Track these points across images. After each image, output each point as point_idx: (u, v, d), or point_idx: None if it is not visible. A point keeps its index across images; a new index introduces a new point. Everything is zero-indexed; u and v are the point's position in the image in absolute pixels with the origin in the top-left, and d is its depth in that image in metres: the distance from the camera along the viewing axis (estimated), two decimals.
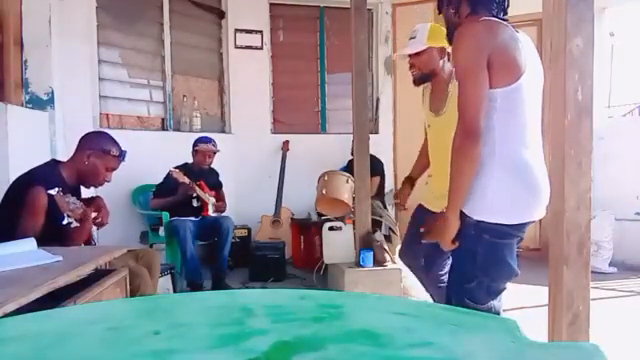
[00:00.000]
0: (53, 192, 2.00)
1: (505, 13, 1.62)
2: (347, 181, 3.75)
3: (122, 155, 2.35)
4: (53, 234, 2.06)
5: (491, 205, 1.54)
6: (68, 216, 2.10)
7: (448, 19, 1.72)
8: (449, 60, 2.24)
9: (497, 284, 1.63)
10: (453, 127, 2.09)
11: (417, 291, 2.51)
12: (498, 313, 1.67)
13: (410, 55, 2.27)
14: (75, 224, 2.14)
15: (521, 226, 1.58)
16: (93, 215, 2.23)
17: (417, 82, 2.31)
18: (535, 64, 1.58)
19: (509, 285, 1.70)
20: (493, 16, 1.57)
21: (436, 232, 1.63)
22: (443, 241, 1.61)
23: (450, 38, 1.73)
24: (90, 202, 2.30)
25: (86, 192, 2.44)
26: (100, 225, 2.31)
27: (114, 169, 2.34)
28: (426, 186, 2.43)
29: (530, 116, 1.57)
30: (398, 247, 3.57)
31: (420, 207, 2.40)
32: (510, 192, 1.54)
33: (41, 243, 1.81)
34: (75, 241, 2.12)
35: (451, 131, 2.15)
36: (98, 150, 2.26)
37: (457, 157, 1.50)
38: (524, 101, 1.54)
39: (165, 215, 3.81)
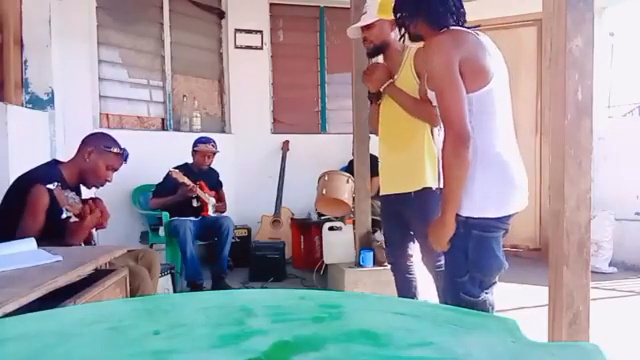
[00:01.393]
0: (52, 186, 2.00)
1: (465, 20, 1.69)
2: (347, 181, 3.75)
3: (124, 155, 2.35)
4: (53, 229, 2.06)
5: (477, 201, 1.58)
6: (67, 210, 2.10)
7: (409, 31, 1.79)
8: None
9: (489, 278, 1.67)
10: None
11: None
12: (493, 307, 1.70)
13: (362, 29, 2.32)
14: (74, 219, 2.14)
15: (506, 218, 1.63)
16: (95, 217, 2.24)
17: (371, 55, 2.38)
18: (500, 64, 1.65)
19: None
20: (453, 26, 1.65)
21: (432, 235, 1.66)
22: (440, 244, 1.65)
23: (413, 39, 1.81)
24: (90, 203, 2.30)
25: (86, 193, 2.44)
26: (99, 227, 2.31)
27: (115, 169, 2.33)
28: (385, 169, 2.44)
29: (501, 113, 1.64)
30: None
31: (384, 199, 2.42)
32: (492, 186, 1.60)
33: (42, 239, 1.81)
34: (74, 236, 2.13)
35: None
36: (99, 147, 2.27)
37: (452, 162, 1.54)
38: (495, 101, 1.60)
39: (165, 215, 3.81)
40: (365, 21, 2.30)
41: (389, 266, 2.55)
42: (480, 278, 1.64)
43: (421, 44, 2.27)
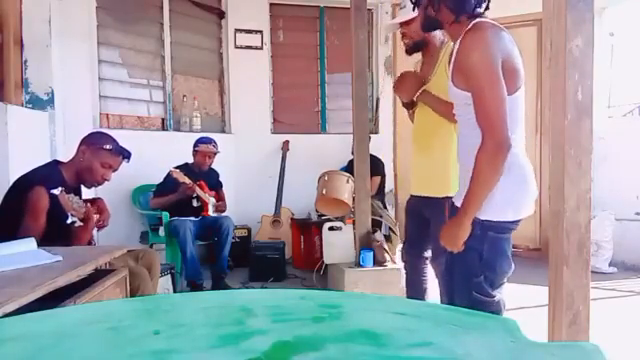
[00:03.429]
0: (56, 191, 2.00)
1: (487, 7, 1.64)
2: (347, 181, 3.75)
3: (124, 154, 2.33)
4: (57, 234, 2.06)
5: (498, 205, 1.55)
6: (72, 215, 2.10)
7: (427, 17, 1.71)
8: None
9: (500, 277, 1.65)
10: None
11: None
12: (504, 305, 1.69)
13: (401, 25, 2.28)
14: (79, 223, 2.14)
15: (519, 221, 1.62)
16: (95, 217, 2.23)
17: (409, 51, 2.32)
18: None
19: (509, 285, 1.71)
20: (478, 15, 1.59)
21: (448, 236, 1.62)
22: (455, 245, 1.61)
23: (425, 29, 1.77)
24: (92, 203, 2.30)
25: (87, 193, 2.44)
26: (101, 227, 2.31)
27: (112, 167, 2.30)
28: (413, 170, 2.44)
29: (522, 116, 1.61)
30: (399, 247, 3.57)
31: (410, 198, 2.41)
32: (512, 190, 1.57)
33: (45, 243, 1.81)
34: (80, 240, 2.13)
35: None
36: (91, 145, 2.25)
37: (486, 169, 1.48)
38: (520, 105, 1.58)
39: (165, 215, 3.81)
40: (404, 17, 2.25)
41: (403, 264, 2.53)
42: (492, 278, 1.62)
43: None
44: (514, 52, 1.53)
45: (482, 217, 1.56)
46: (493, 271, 1.62)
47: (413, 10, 1.83)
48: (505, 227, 1.59)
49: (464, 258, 1.63)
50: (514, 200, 1.58)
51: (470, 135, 1.57)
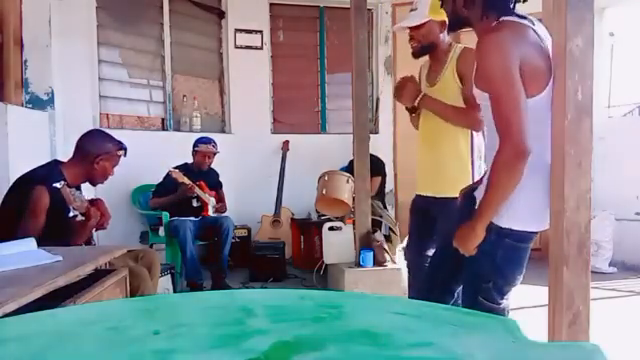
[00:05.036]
0: (59, 185, 2.02)
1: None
2: (347, 181, 3.75)
3: (125, 151, 2.40)
4: (57, 229, 2.08)
5: (520, 214, 1.51)
6: (74, 208, 2.12)
7: (454, 11, 1.65)
8: (448, 34, 2.23)
9: (510, 285, 1.62)
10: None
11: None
12: (508, 312, 1.68)
13: (410, 27, 2.27)
14: (80, 217, 2.16)
15: (542, 230, 1.57)
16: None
17: (416, 54, 2.30)
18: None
19: None
20: (509, 11, 1.51)
21: (460, 239, 1.58)
22: (467, 249, 1.57)
23: (452, 28, 1.72)
24: (91, 204, 2.31)
25: (86, 193, 2.44)
26: (100, 228, 2.32)
27: (117, 164, 2.40)
28: (417, 170, 2.43)
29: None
30: (400, 246, 3.58)
31: (416, 197, 2.41)
32: (539, 199, 1.52)
33: (46, 237, 1.82)
34: (79, 236, 2.14)
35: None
36: (105, 154, 2.31)
37: (503, 176, 1.43)
38: (550, 107, 1.50)
39: (165, 215, 3.81)
40: (414, 21, 2.23)
41: (406, 263, 2.52)
42: (501, 285, 1.59)
43: (464, 44, 2.17)
44: (537, 51, 1.45)
45: (503, 225, 1.51)
46: (504, 278, 1.58)
47: (441, 7, 1.78)
48: (525, 236, 1.54)
49: (475, 262, 1.59)
50: (539, 211, 1.53)
51: (493, 136, 1.51)
